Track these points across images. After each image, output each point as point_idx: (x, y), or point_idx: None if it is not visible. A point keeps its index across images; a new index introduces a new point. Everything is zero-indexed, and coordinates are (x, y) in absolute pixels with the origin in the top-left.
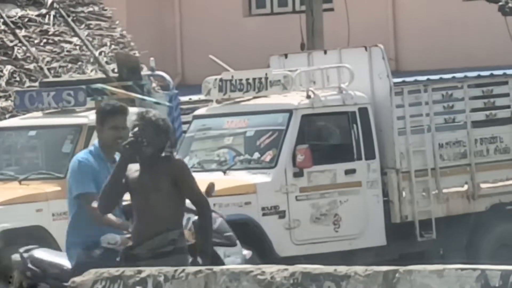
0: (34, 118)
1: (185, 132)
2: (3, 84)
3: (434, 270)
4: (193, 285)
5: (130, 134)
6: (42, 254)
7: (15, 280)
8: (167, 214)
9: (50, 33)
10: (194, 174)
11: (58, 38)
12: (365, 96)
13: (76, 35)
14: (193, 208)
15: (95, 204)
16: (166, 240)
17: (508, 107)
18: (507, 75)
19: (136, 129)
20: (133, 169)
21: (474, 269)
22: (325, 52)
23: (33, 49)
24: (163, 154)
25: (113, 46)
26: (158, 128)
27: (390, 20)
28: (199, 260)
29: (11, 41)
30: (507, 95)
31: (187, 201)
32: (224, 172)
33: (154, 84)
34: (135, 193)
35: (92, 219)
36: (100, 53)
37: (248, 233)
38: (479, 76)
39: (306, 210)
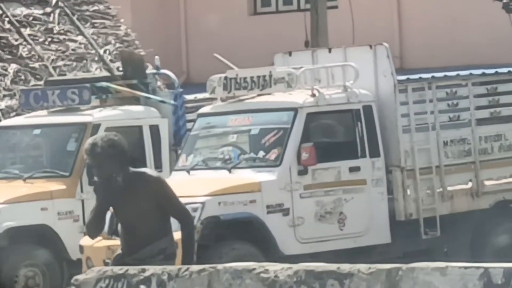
0: (39, 117)
1: (190, 130)
2: (8, 82)
3: (437, 267)
4: (197, 283)
5: (95, 176)
6: None
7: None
8: (152, 226)
9: (55, 31)
10: (198, 173)
11: (63, 36)
12: (370, 94)
13: (81, 33)
14: None
15: None
16: (156, 249)
17: None
18: (511, 72)
19: (94, 169)
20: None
21: (477, 267)
22: (330, 50)
23: (38, 48)
24: (137, 169)
25: (117, 45)
26: (112, 154)
27: (394, 17)
28: None
29: (16, 40)
30: (511, 92)
31: None
32: (229, 170)
33: (159, 83)
34: (118, 209)
35: None
36: (104, 52)
37: (253, 231)
38: (483, 74)
39: (310, 207)
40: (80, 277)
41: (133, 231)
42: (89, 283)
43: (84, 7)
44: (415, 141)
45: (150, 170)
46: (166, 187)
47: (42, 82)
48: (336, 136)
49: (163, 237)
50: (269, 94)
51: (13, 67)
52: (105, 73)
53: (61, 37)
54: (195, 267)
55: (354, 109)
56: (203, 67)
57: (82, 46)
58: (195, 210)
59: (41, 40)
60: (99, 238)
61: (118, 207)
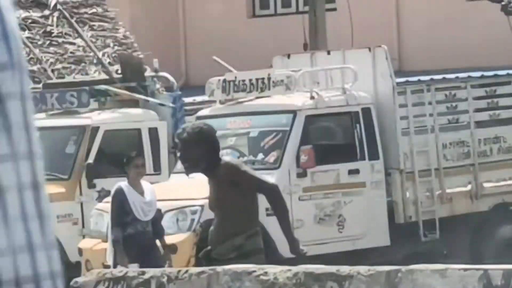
0: (38, 120)
1: None
2: None
3: (436, 269)
4: (196, 286)
5: (182, 163)
6: None
7: None
8: (231, 220)
9: (53, 34)
10: (197, 175)
11: (62, 39)
12: (368, 96)
13: (80, 36)
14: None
15: None
16: (231, 247)
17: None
18: (510, 75)
19: (180, 154)
20: None
21: (477, 269)
22: (329, 53)
23: (36, 51)
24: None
25: (116, 47)
26: (197, 142)
27: (393, 19)
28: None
29: None
30: (510, 95)
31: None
32: None
33: (158, 85)
34: (209, 203)
35: None
36: (103, 54)
37: None
38: (482, 76)
39: (309, 210)
40: (80, 279)
41: (216, 224)
42: (88, 285)
43: (83, 10)
44: (414, 144)
45: (227, 157)
46: (237, 168)
47: (40, 85)
48: (335, 138)
49: (240, 234)
50: (268, 96)
51: None
52: (103, 76)
53: (60, 40)
54: (194, 269)
55: (353, 112)
56: (202, 70)
57: (81, 49)
58: (194, 213)
59: (39, 43)
60: (97, 240)
61: (210, 200)
